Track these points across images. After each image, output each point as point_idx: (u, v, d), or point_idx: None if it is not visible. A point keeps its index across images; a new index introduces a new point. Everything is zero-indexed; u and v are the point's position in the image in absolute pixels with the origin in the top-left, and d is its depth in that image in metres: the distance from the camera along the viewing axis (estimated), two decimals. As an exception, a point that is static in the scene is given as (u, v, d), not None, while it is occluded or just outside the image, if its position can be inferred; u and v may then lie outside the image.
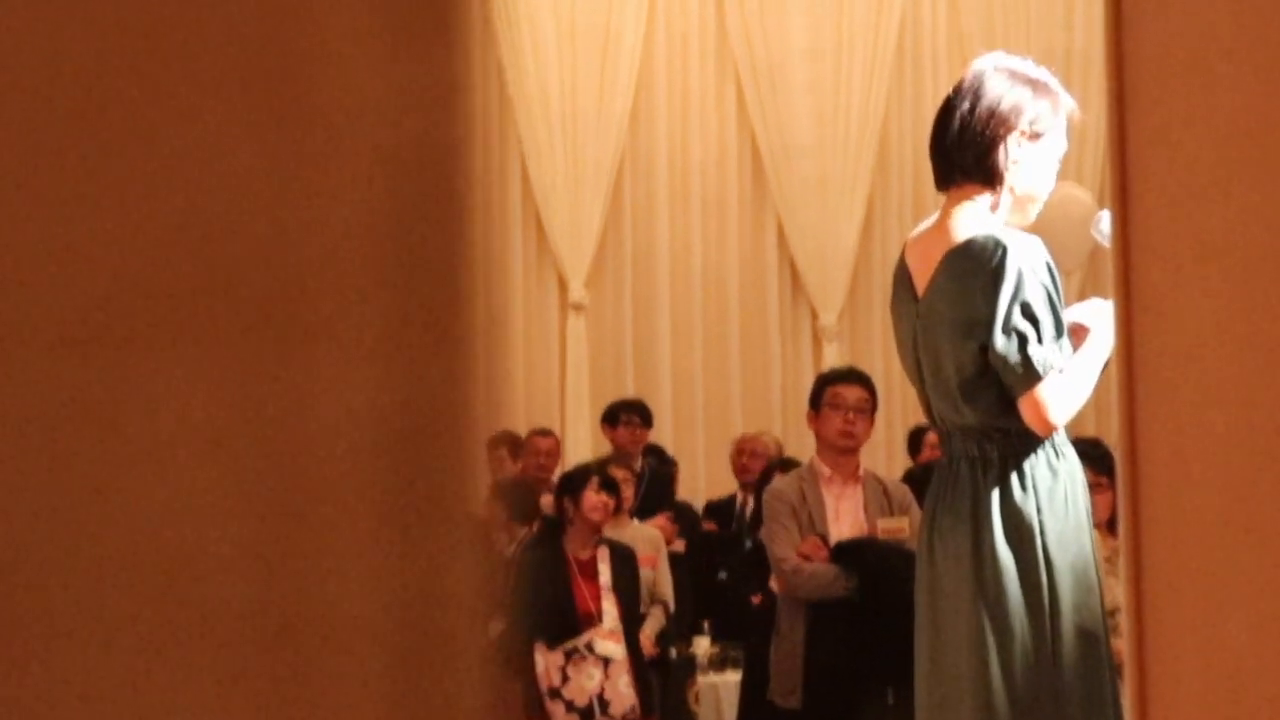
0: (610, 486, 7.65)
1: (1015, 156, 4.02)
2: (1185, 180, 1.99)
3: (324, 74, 0.63)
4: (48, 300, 0.62)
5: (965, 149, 4.03)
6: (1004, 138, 4.02)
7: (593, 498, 7.54)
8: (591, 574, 7.54)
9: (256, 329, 0.63)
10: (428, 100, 0.64)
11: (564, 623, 7.37)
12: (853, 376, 7.14)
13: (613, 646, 7.41)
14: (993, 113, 4.03)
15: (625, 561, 7.69)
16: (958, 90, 4.12)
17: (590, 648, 7.38)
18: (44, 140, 0.62)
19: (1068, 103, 4.14)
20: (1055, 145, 4.10)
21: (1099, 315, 4.05)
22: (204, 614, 0.64)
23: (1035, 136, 4.05)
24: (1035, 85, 4.10)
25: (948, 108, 4.11)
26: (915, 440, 10.59)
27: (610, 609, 7.47)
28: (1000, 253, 3.91)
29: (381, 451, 0.64)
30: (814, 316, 12.90)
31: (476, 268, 0.65)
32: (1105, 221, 4.07)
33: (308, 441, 0.63)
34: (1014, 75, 4.09)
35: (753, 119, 12.74)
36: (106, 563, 0.63)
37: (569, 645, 7.35)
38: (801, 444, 10.80)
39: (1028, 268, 3.91)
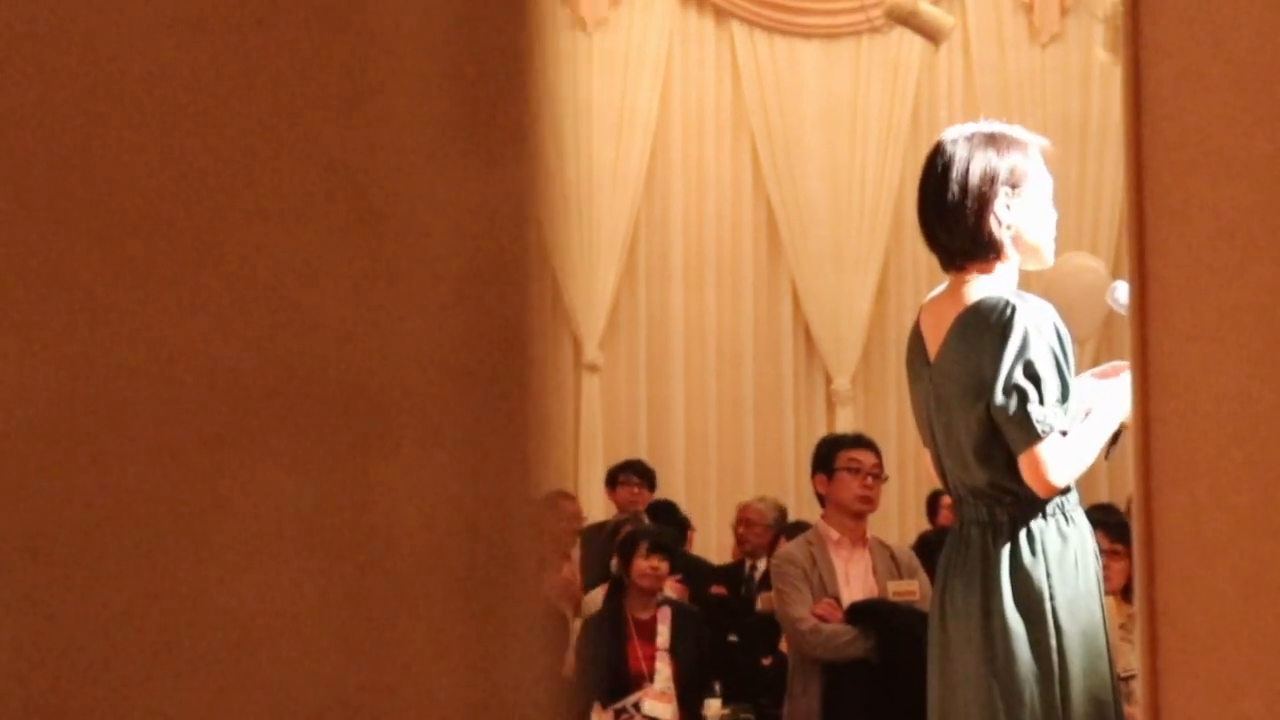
0: (661, 549, 7.65)
1: (1007, 220, 3.98)
2: (1203, 258, 2.01)
3: (403, 190, 0.66)
4: (140, 403, 0.64)
5: (955, 235, 4.00)
6: (988, 207, 3.98)
7: (641, 564, 7.54)
8: (649, 634, 7.53)
9: (339, 430, 0.66)
10: (501, 214, 0.67)
11: (617, 682, 7.37)
12: (865, 442, 7.16)
13: (661, 707, 7.39)
14: (966, 189, 3.98)
15: (689, 622, 7.68)
16: (925, 179, 4.08)
17: (638, 707, 7.37)
18: (136, 250, 0.64)
19: (1036, 141, 4.10)
20: (1041, 186, 4.05)
21: (1109, 391, 4.04)
22: (288, 706, 0.66)
23: (1017, 189, 4.00)
24: (996, 141, 4.04)
25: (923, 199, 4.08)
26: (932, 504, 10.60)
27: (664, 669, 7.45)
28: (1009, 312, 3.89)
29: (458, 545, 0.66)
30: (828, 381, 12.91)
31: (544, 371, 0.68)
32: (1121, 291, 4.08)
33: (388, 537, 0.66)
34: (971, 141, 4.04)
35: (768, 185, 12.79)
36: (194, 656, 0.64)
37: (619, 705, 7.35)
38: (814, 507, 10.80)
39: (1034, 327, 3.89)
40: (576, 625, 8.07)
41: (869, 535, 7.03)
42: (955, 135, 4.08)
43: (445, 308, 0.66)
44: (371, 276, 0.66)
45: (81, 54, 0.64)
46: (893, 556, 7.00)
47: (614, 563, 7.88)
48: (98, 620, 0.64)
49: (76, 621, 0.64)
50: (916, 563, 6.94)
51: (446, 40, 0.67)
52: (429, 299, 0.66)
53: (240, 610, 0.65)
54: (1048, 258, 4.11)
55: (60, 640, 0.64)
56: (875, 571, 6.91)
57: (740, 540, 10.21)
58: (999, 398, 3.88)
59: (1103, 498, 8.19)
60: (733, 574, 10.15)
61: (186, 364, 0.64)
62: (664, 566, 7.62)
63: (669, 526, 10.35)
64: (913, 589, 6.80)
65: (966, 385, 3.95)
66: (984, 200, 3.98)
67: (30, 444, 0.64)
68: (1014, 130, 4.11)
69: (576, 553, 9.43)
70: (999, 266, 4.01)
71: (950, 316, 4.02)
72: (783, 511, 10.44)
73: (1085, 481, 4.24)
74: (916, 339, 4.15)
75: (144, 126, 0.64)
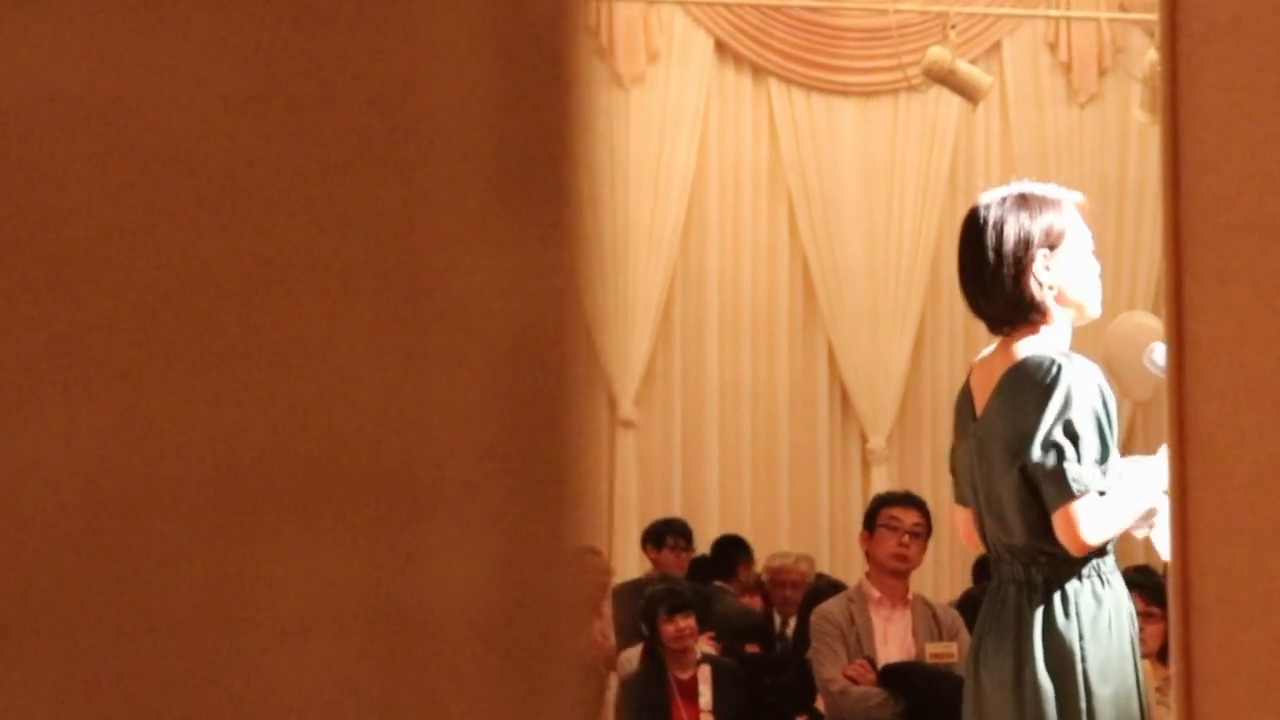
0: (682, 608, 7.58)
1: (1048, 281, 3.98)
2: (1241, 323, 2.00)
3: (445, 266, 0.66)
4: (181, 478, 0.64)
5: (995, 301, 4.02)
6: (1026, 271, 3.97)
7: (667, 628, 7.49)
8: (691, 695, 7.48)
9: (378, 503, 0.66)
10: (543, 283, 0.67)
11: None
12: (910, 500, 7.15)
13: None
14: (1001, 255, 3.98)
15: (729, 680, 7.63)
16: (962, 246, 4.09)
17: None
18: (181, 326, 0.65)
19: (1071, 197, 4.10)
20: (1079, 241, 4.05)
21: (1142, 464, 4.03)
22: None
23: (1055, 249, 4.00)
24: (1029, 203, 4.04)
25: (962, 267, 4.10)
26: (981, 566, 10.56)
27: None
28: (1054, 370, 3.89)
29: (499, 620, 0.66)
30: (863, 439, 12.87)
31: (585, 440, 0.68)
32: (1158, 353, 4.07)
33: (429, 611, 0.66)
34: (1004, 205, 4.03)
35: (804, 243, 12.78)
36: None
37: None
38: (848, 567, 10.76)
39: (1078, 387, 3.88)
40: (613, 682, 8.03)
41: (912, 594, 7.01)
42: (989, 200, 4.08)
43: (487, 381, 0.66)
44: (414, 352, 0.66)
45: (129, 131, 0.64)
46: (935, 617, 6.97)
47: (643, 627, 7.83)
48: (136, 694, 0.64)
49: (115, 695, 0.64)
50: (960, 623, 6.91)
51: (492, 116, 0.67)
52: (471, 373, 0.66)
53: (279, 685, 0.65)
54: (1094, 311, 4.11)
55: (97, 715, 0.64)
56: (915, 632, 6.88)
57: (781, 602, 10.15)
58: (1036, 453, 3.88)
59: (1139, 560, 8.14)
60: (763, 630, 10.11)
61: (228, 440, 0.64)
62: (689, 624, 7.56)
63: (723, 565, 10.29)
64: (951, 651, 6.78)
65: (1007, 441, 3.95)
66: (1021, 264, 3.98)
67: (71, 518, 0.64)
68: (1047, 188, 4.11)
69: (608, 609, 9.40)
70: (1044, 328, 4.00)
71: (999, 374, 4.02)
72: (813, 564, 10.44)
73: (1122, 544, 4.22)
74: (965, 396, 4.17)
75: (190, 205, 0.65)
